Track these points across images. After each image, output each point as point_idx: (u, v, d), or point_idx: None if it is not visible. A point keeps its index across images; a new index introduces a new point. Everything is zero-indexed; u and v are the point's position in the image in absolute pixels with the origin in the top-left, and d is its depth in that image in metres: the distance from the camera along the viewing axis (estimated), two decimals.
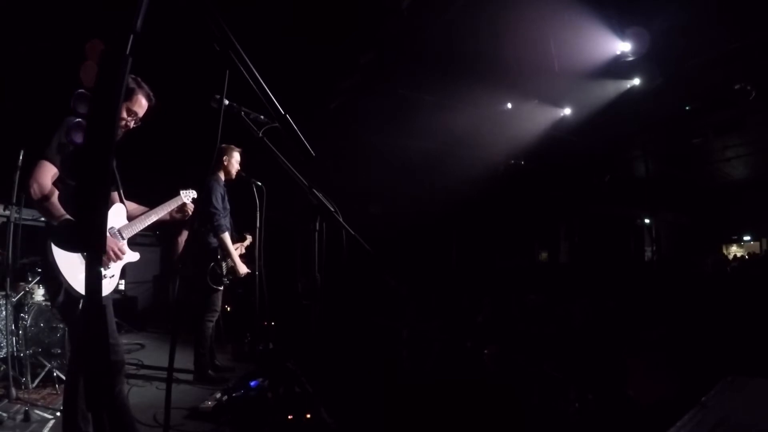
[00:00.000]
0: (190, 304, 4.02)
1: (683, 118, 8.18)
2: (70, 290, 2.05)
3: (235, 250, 3.94)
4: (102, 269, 2.27)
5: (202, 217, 3.74)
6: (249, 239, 4.26)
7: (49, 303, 3.70)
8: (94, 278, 0.84)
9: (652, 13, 5.63)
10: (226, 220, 3.86)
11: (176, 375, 3.83)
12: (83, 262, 2.15)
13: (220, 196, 3.84)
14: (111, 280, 2.33)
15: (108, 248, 2.25)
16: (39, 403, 3.10)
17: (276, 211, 3.64)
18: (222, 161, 3.93)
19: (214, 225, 3.76)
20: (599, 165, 10.71)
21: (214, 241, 3.82)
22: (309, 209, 2.04)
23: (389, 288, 6.39)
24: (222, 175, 3.95)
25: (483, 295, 6.42)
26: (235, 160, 3.98)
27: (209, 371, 3.87)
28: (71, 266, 2.06)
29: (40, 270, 3.74)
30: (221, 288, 3.94)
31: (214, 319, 3.97)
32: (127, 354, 4.86)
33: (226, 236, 3.81)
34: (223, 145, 3.94)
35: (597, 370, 3.65)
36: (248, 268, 3.99)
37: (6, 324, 3.47)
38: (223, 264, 3.87)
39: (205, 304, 3.89)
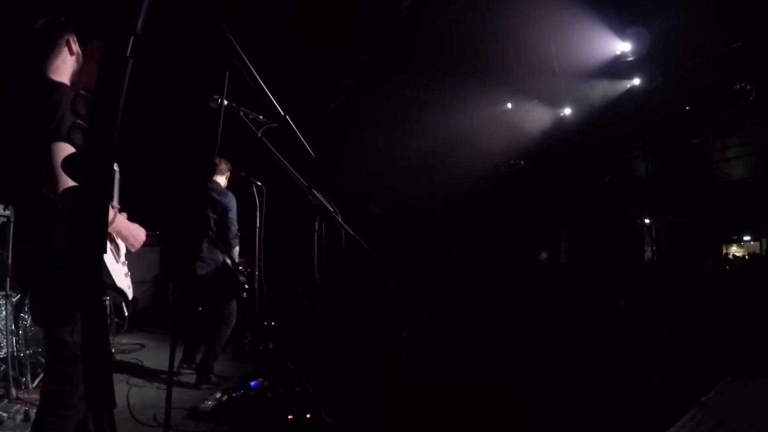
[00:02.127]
0: (192, 306, 4.04)
1: (683, 118, 8.19)
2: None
3: None
4: (122, 262, 2.12)
5: (223, 227, 3.88)
6: None
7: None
8: (94, 278, 0.84)
9: (652, 13, 5.62)
10: None
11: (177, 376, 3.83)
12: (115, 259, 2.00)
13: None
14: (128, 277, 2.21)
15: (129, 234, 2.06)
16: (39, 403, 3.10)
17: (276, 211, 3.65)
18: (222, 170, 4.09)
19: (236, 236, 3.92)
20: (599, 165, 10.71)
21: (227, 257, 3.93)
22: (309, 209, 2.04)
23: (389, 288, 6.39)
24: (225, 183, 4.11)
25: (483, 295, 6.43)
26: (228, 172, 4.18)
27: (212, 375, 3.87)
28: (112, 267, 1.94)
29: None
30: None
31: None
32: (127, 354, 4.87)
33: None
34: (220, 158, 4.10)
35: (598, 369, 3.65)
36: (249, 267, 4.03)
37: (6, 324, 3.47)
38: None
39: (225, 310, 3.93)
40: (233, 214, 3.92)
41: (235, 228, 3.92)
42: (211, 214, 3.92)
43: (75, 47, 1.84)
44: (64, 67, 1.80)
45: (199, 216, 3.81)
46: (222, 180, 4.10)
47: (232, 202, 3.95)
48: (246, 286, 3.96)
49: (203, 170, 3.30)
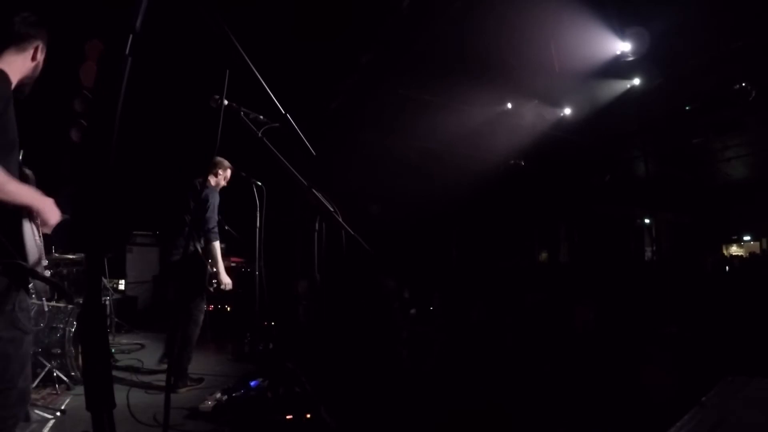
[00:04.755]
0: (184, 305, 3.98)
1: (683, 118, 8.19)
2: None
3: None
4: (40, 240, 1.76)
5: (196, 223, 3.80)
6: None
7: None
8: (94, 279, 0.84)
9: (652, 14, 5.63)
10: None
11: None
12: (36, 239, 1.69)
13: (217, 206, 3.89)
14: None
15: (56, 218, 1.75)
16: (39, 403, 3.10)
17: (276, 211, 3.65)
18: (217, 173, 3.98)
19: (210, 229, 3.77)
20: (599, 165, 10.71)
21: (199, 246, 3.82)
22: (309, 209, 2.03)
23: (389, 288, 6.38)
24: (213, 183, 3.99)
25: (483, 295, 6.43)
26: (225, 177, 4.05)
27: (189, 378, 3.75)
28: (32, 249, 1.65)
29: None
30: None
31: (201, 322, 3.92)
32: (126, 354, 4.88)
33: (218, 244, 3.82)
34: (218, 158, 4.00)
35: (598, 369, 3.65)
36: (248, 267, 3.98)
37: None
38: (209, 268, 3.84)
39: (194, 307, 3.82)
40: (211, 212, 3.78)
41: (210, 224, 3.77)
42: (191, 203, 3.85)
43: (40, 57, 1.79)
44: (16, 65, 1.71)
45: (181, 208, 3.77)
46: (212, 179, 3.98)
47: (212, 197, 3.81)
48: (214, 281, 3.83)
49: (204, 170, 3.29)
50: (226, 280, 3.85)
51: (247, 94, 1.40)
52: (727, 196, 14.19)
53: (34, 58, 1.76)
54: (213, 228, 3.77)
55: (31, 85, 1.80)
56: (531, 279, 9.23)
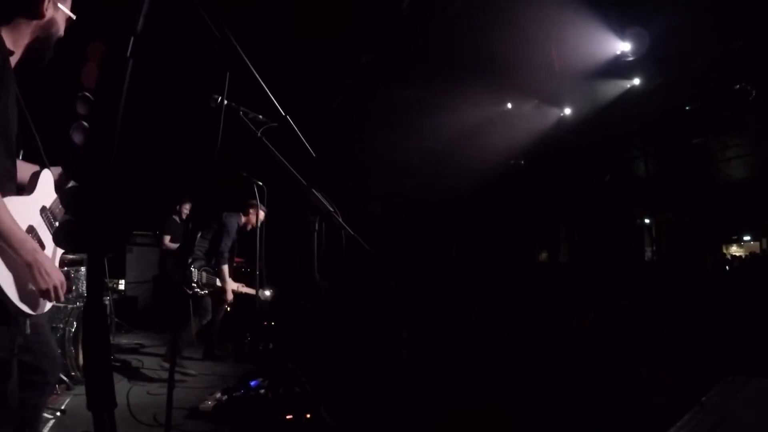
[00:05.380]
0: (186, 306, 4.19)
1: (683, 118, 8.19)
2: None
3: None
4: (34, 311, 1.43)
5: (212, 246, 4.25)
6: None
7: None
8: (95, 279, 0.84)
9: (652, 13, 5.63)
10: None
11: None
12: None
13: (233, 235, 4.32)
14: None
15: (52, 283, 1.39)
16: None
17: (276, 211, 3.66)
18: (248, 212, 4.40)
19: (222, 252, 4.21)
20: (599, 165, 10.72)
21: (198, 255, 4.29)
22: (308, 209, 2.03)
23: (389, 288, 6.39)
24: (242, 220, 4.40)
25: (482, 296, 6.43)
26: (257, 217, 4.25)
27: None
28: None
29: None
30: (202, 293, 4.20)
31: (204, 321, 4.25)
32: (127, 354, 4.88)
33: (226, 267, 4.26)
34: (254, 201, 4.19)
35: (598, 369, 3.65)
36: (248, 267, 4.04)
37: None
38: (195, 271, 4.15)
39: (200, 306, 4.22)
40: (226, 236, 4.23)
41: (222, 248, 4.22)
42: (207, 232, 4.33)
43: (50, 12, 1.49)
44: (21, 27, 1.47)
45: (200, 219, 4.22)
46: (242, 218, 4.39)
47: (229, 225, 4.25)
48: (194, 287, 4.15)
49: (203, 171, 3.31)
50: (229, 297, 4.27)
51: (247, 94, 1.40)
52: (727, 196, 14.19)
53: (39, 15, 1.48)
54: (224, 253, 4.24)
55: (49, 50, 1.55)
56: (531, 279, 9.23)
